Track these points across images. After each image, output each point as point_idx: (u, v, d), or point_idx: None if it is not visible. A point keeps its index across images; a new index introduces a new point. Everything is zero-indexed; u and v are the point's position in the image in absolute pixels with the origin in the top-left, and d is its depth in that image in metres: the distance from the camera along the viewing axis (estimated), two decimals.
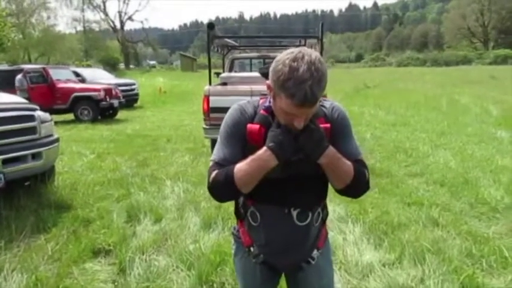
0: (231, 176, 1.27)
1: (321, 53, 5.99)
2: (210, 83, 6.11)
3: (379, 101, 14.92)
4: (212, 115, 5.69)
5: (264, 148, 1.24)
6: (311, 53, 1.17)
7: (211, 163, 1.37)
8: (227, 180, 1.28)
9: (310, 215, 1.42)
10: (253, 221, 1.45)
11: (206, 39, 6.22)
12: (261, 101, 1.39)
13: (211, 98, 5.73)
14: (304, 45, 7.75)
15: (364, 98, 16.46)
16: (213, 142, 6.06)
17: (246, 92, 5.55)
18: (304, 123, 1.22)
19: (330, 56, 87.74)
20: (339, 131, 1.38)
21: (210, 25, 6.21)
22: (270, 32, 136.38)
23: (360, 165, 1.38)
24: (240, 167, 1.27)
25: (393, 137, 7.86)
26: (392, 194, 4.42)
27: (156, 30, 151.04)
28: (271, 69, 1.21)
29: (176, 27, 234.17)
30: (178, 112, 13.62)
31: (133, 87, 16.14)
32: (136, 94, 16.37)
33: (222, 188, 1.32)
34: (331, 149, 1.27)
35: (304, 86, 1.11)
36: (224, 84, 6.35)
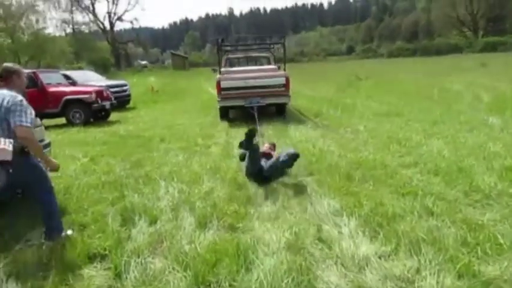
0: None
1: (284, 54, 10.51)
2: (220, 74, 9.85)
3: (372, 92, 14.95)
4: (223, 92, 9.53)
5: None
6: None
7: None
8: None
9: None
10: None
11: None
12: None
13: (222, 82, 9.52)
14: (273, 47, 12.04)
15: (356, 90, 16.47)
16: (222, 108, 9.96)
17: (241, 78, 9.62)
18: None
19: (321, 49, 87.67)
20: None
21: (223, 40, 10.87)
22: (260, 28, 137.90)
23: None
24: None
25: (386, 127, 7.87)
26: (387, 185, 4.41)
27: (146, 29, 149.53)
28: None
29: (166, 25, 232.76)
30: (171, 111, 13.56)
31: (124, 88, 16.05)
32: (128, 95, 16.29)
33: None
34: None
35: None
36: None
